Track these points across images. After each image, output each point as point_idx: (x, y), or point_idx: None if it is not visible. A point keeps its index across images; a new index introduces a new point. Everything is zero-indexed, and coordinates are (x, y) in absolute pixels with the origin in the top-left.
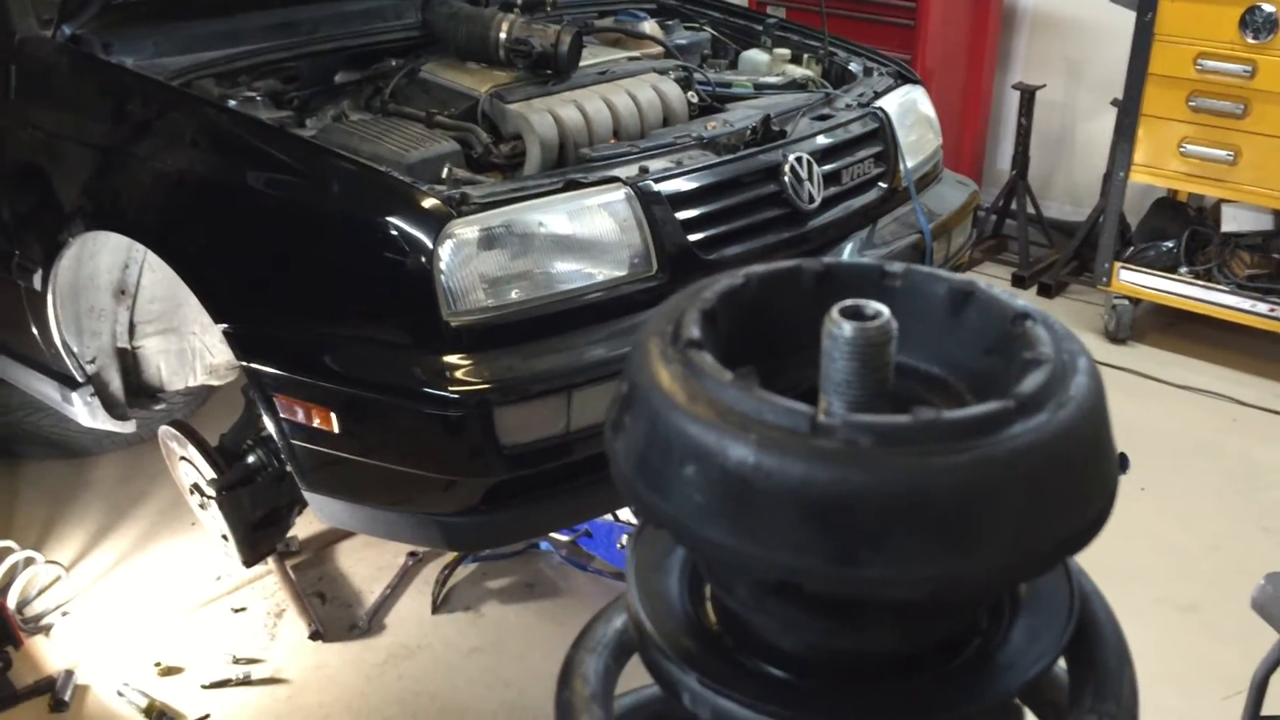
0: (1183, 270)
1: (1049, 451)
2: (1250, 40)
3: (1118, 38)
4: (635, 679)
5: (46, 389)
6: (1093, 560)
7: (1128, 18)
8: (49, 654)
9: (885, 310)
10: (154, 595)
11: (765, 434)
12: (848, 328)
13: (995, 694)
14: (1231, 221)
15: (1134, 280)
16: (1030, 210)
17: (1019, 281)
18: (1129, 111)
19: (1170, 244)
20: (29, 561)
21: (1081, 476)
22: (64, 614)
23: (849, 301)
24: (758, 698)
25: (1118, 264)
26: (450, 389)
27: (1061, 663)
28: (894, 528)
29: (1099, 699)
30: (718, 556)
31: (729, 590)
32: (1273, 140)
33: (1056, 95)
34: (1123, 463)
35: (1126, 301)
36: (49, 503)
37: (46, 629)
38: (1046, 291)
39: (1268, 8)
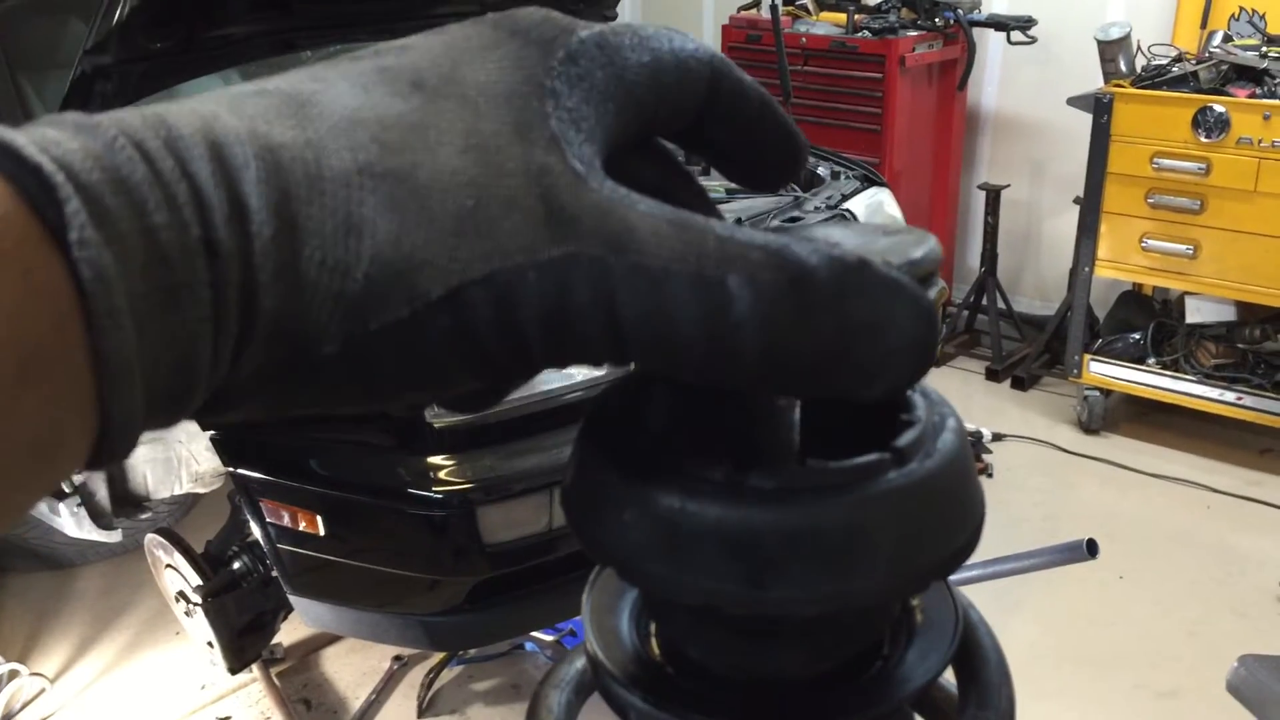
0: (1150, 361)
1: (918, 493)
2: (1203, 139)
3: (1077, 139)
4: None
5: None
6: (1073, 648)
7: (1086, 120)
8: None
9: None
10: (139, 706)
11: (689, 485)
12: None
13: (889, 701)
14: (1195, 313)
15: (1104, 372)
16: (1001, 305)
17: (993, 375)
18: (1091, 209)
19: (1137, 336)
20: (13, 674)
21: (946, 513)
22: None
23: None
24: (689, 710)
25: (1087, 356)
26: (434, 489)
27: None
28: (792, 556)
29: (981, 707)
30: (652, 587)
31: (667, 621)
32: (1229, 234)
33: (1021, 194)
34: (1091, 548)
35: (1098, 393)
36: (33, 615)
37: None
38: (1020, 384)
39: (1218, 108)
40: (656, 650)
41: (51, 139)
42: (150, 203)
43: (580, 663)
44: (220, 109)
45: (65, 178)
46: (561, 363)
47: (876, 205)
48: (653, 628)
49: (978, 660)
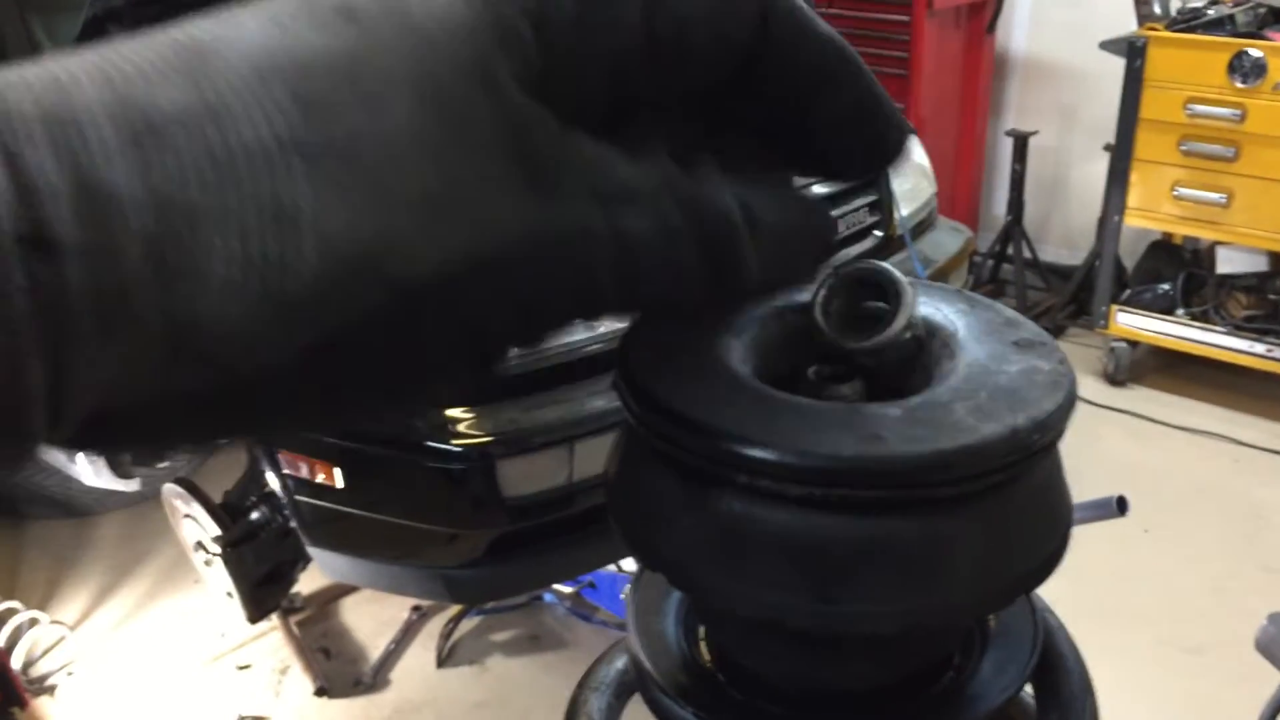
0: (1179, 312)
1: (1005, 499)
2: (1239, 85)
3: (1109, 84)
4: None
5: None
6: (1097, 603)
7: (1118, 64)
8: (54, 715)
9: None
10: (159, 654)
11: (751, 489)
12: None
13: None
14: (1226, 263)
15: (1131, 323)
16: (1027, 255)
17: None
18: (1121, 156)
19: (1166, 286)
20: (33, 622)
21: (1035, 521)
22: (69, 674)
23: (827, 366)
24: None
25: (1115, 307)
26: (453, 442)
27: (1031, 693)
28: (865, 567)
29: None
30: (707, 597)
31: (720, 629)
32: (1264, 182)
33: (1050, 141)
34: (1121, 506)
35: (1125, 344)
36: (53, 563)
37: (51, 689)
38: None
39: (1255, 53)
40: (706, 655)
41: None
42: None
43: (620, 663)
44: (85, 72)
45: None
46: (557, 330)
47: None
48: (702, 630)
49: (1059, 673)
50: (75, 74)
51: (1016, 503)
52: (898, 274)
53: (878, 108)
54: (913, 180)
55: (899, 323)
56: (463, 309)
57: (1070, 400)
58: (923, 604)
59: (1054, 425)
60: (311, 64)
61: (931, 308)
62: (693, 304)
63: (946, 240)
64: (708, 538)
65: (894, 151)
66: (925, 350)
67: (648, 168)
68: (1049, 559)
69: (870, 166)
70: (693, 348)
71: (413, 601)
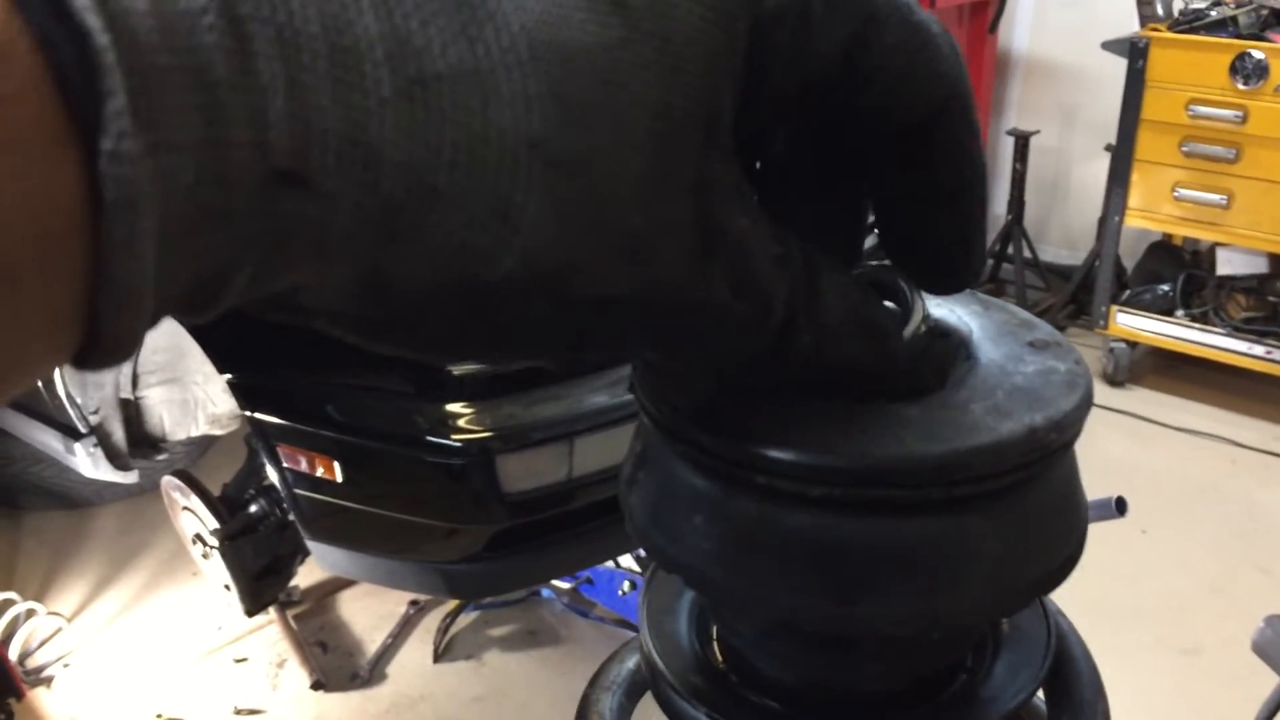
0: (1179, 313)
1: (1023, 501)
2: (1241, 86)
3: (1110, 84)
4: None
5: (49, 440)
6: (1094, 602)
7: (1120, 64)
8: (51, 706)
9: None
10: (156, 646)
11: (768, 489)
12: None
13: None
14: (1226, 264)
15: (1131, 323)
16: (1026, 254)
17: None
18: (1122, 157)
19: (1166, 287)
20: (30, 613)
21: (1053, 523)
22: (66, 665)
23: None
24: None
25: (1114, 307)
26: (453, 437)
27: (1042, 696)
28: (883, 570)
29: None
30: (723, 599)
31: (733, 630)
32: (1265, 184)
33: (1051, 141)
34: (1120, 506)
35: (1124, 344)
36: (50, 554)
37: (48, 680)
38: None
39: (1257, 54)
40: (719, 656)
41: None
42: (228, 112)
43: (631, 662)
44: None
45: (116, 57)
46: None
47: None
48: (715, 630)
49: (1071, 676)
50: None
51: (1034, 505)
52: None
53: (976, 240)
54: None
55: (912, 324)
56: (599, 330)
57: (1087, 400)
58: (940, 606)
59: (1071, 424)
60: (575, 56)
61: (945, 310)
62: (737, 372)
63: None
64: (725, 539)
65: (959, 287)
66: (938, 352)
67: (786, 257)
68: (1066, 561)
69: (939, 289)
70: None
71: (410, 596)
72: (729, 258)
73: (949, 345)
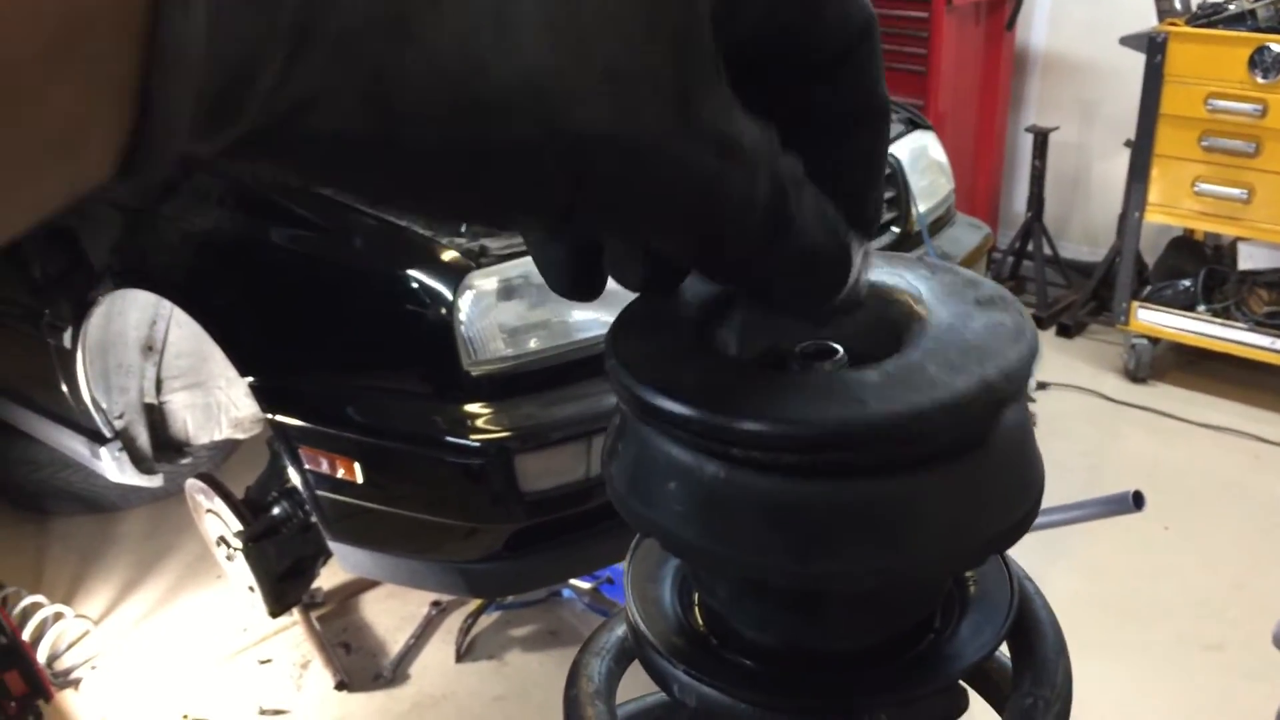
0: (1201, 309)
1: (975, 462)
2: (1260, 80)
3: (1129, 79)
4: (635, 689)
5: (75, 445)
6: (1118, 600)
7: (1138, 60)
8: (79, 708)
9: (841, 350)
10: (181, 647)
11: (734, 455)
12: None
13: (941, 679)
14: (1248, 259)
15: (1152, 319)
16: (1047, 251)
17: (1038, 322)
18: (1142, 152)
19: (1187, 283)
20: (58, 616)
21: (1005, 484)
22: (93, 667)
23: (809, 343)
24: (735, 685)
25: (1136, 303)
26: (472, 437)
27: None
28: (840, 529)
29: (1036, 685)
30: (696, 559)
31: (711, 593)
32: None
33: (1070, 137)
34: (1137, 500)
35: (1146, 340)
36: (78, 558)
37: (76, 683)
38: (1066, 332)
39: (1276, 48)
40: (700, 620)
41: None
42: None
43: (620, 630)
44: None
45: None
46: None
47: (920, 149)
48: (696, 597)
49: (1034, 635)
50: None
51: (987, 466)
52: None
53: (876, 169)
54: (930, 177)
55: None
56: (592, 187)
57: (1033, 349)
58: (893, 563)
59: (1020, 373)
60: None
61: (894, 275)
62: (724, 266)
63: (964, 236)
64: (697, 503)
65: (862, 211)
66: (890, 317)
67: (763, 132)
68: (1019, 522)
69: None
70: (681, 332)
71: (432, 596)
72: (710, 113)
73: (900, 309)
